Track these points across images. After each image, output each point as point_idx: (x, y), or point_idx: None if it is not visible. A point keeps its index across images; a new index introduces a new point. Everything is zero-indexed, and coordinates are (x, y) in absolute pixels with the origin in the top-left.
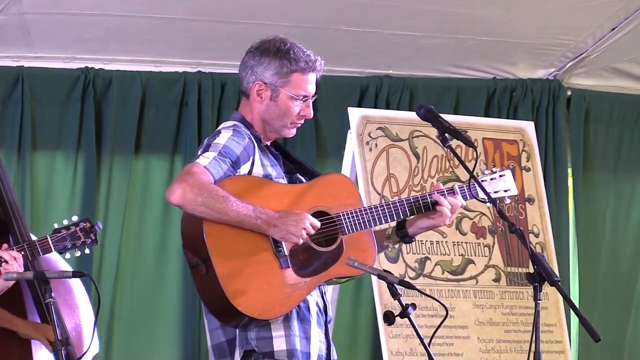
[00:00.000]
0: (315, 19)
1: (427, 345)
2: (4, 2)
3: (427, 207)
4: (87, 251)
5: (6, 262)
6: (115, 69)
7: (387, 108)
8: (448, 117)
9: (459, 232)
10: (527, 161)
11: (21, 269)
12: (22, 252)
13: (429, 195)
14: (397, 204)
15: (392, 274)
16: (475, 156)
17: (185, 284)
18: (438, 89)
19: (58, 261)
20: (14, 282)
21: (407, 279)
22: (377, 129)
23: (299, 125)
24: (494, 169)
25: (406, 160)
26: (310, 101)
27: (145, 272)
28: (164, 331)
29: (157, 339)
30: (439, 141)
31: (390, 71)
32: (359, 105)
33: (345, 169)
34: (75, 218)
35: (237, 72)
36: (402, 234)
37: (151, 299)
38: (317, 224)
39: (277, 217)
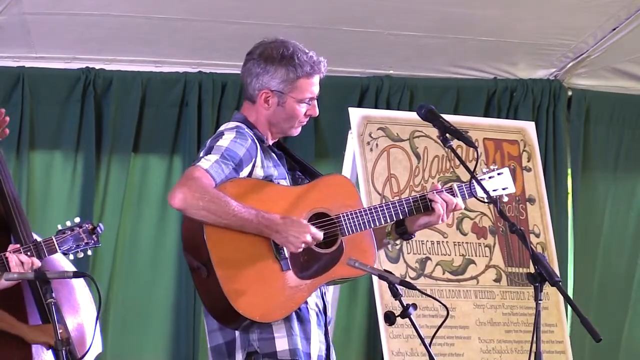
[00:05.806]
0: (315, 19)
1: (428, 345)
2: (4, 3)
3: (426, 208)
4: (89, 253)
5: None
6: (115, 69)
7: (388, 108)
8: (448, 118)
9: (460, 232)
10: (528, 161)
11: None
12: (29, 253)
13: (426, 194)
14: (397, 205)
15: (393, 274)
16: (476, 156)
17: (179, 283)
18: (438, 89)
19: (61, 261)
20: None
21: (407, 279)
22: (377, 129)
23: (304, 123)
24: (492, 167)
25: (407, 160)
26: (315, 101)
27: (140, 272)
28: (158, 330)
29: (151, 338)
30: (439, 141)
31: (391, 71)
32: (360, 105)
33: (346, 169)
34: (77, 219)
35: (238, 72)
36: (402, 231)
37: (146, 298)
38: (320, 236)
39: (280, 223)
